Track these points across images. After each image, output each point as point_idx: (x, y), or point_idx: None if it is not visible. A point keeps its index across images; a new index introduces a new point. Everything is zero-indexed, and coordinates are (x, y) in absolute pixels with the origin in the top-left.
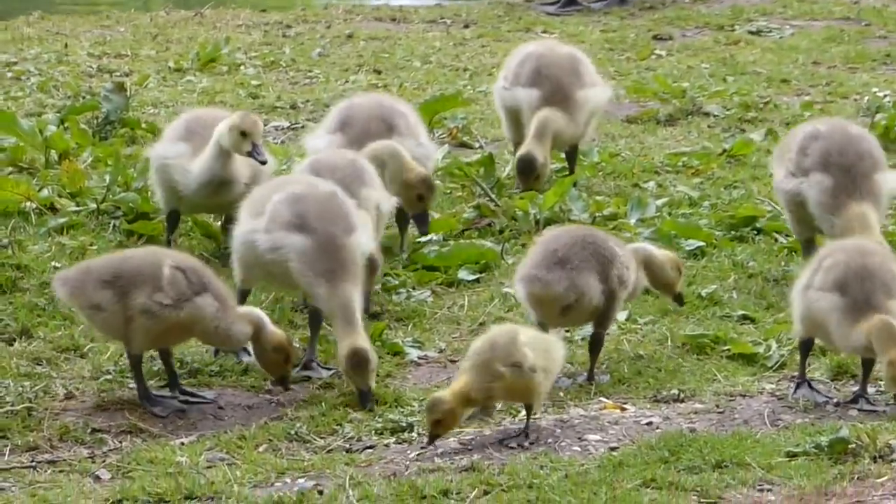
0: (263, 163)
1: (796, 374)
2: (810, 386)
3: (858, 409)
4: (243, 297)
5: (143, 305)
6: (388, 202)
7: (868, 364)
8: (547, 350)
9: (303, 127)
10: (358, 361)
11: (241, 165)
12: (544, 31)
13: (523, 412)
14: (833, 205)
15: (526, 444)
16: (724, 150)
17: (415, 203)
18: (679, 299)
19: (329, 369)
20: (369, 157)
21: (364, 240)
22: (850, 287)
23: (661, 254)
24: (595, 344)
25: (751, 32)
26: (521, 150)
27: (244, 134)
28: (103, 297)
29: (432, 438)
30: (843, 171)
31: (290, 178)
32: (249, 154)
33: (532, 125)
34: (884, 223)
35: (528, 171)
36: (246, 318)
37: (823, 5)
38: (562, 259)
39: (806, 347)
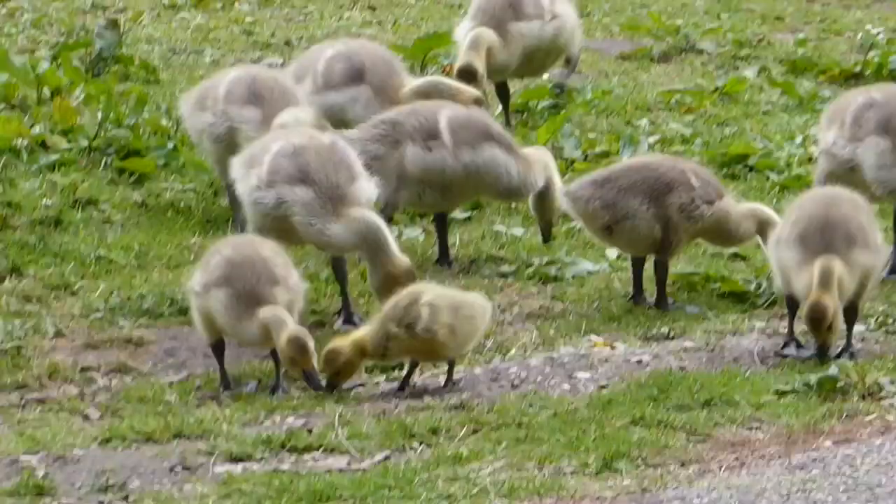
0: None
1: (787, 311)
2: (798, 344)
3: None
4: None
5: None
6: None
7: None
8: (457, 308)
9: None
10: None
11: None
12: None
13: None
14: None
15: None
16: (717, 88)
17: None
18: None
19: None
20: (415, 94)
21: (367, 186)
22: (810, 238)
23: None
24: (656, 270)
25: None
26: (459, 63)
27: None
28: None
29: (331, 387)
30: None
31: (289, 131)
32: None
33: (466, 41)
34: None
35: (469, 79)
36: None
37: None
38: (606, 179)
39: (791, 305)
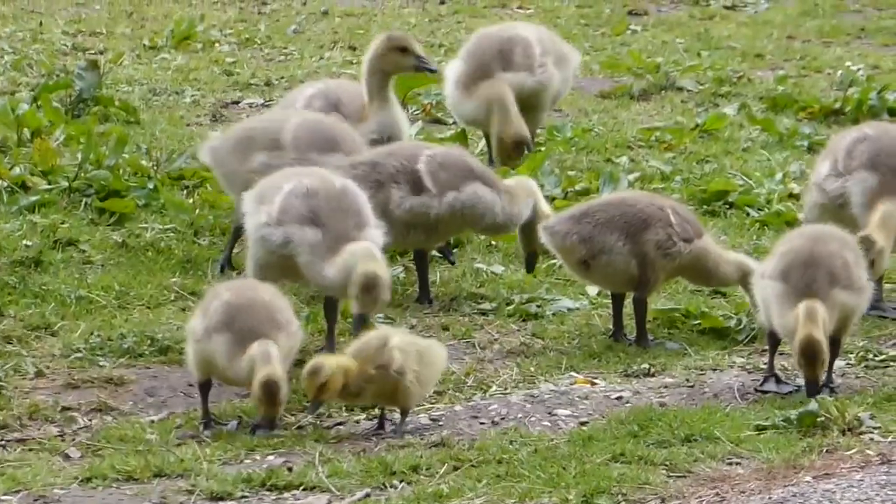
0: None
1: (766, 347)
2: (778, 380)
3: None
4: None
5: None
6: None
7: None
8: (422, 354)
9: (277, 104)
10: (369, 285)
11: None
12: (519, 7)
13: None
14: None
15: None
16: (697, 125)
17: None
18: None
19: None
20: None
21: (376, 234)
22: (793, 274)
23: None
24: (635, 307)
25: (726, 7)
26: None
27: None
28: None
29: (315, 405)
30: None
31: (301, 170)
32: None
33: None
34: None
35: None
36: None
37: None
38: (584, 213)
39: (772, 340)
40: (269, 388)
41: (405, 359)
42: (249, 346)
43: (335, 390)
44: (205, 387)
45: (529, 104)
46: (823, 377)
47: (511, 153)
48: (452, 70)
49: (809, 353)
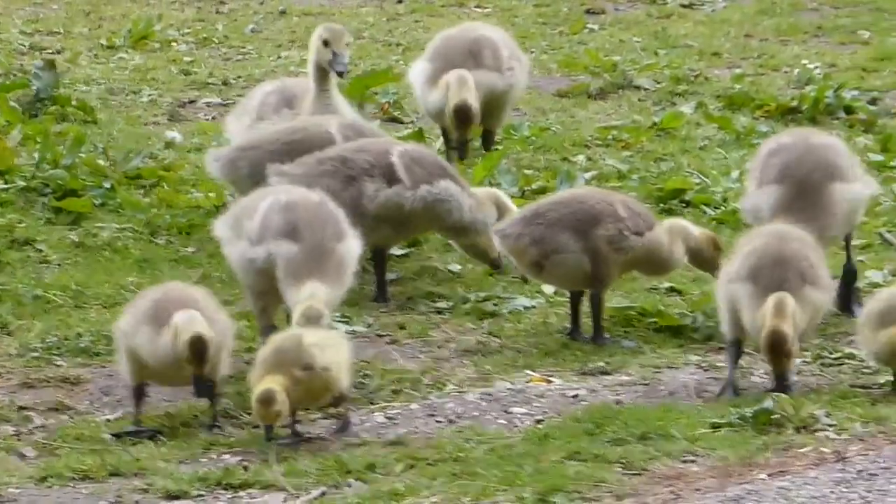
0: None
1: (724, 345)
2: (735, 391)
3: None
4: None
5: None
6: None
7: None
8: (336, 347)
9: (234, 103)
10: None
11: None
12: (477, 6)
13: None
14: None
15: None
16: (654, 124)
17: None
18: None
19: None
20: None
21: (354, 245)
22: (763, 274)
23: (698, 232)
24: (592, 305)
25: (683, 6)
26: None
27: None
28: None
29: (269, 435)
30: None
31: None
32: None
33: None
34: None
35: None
36: None
37: None
38: (535, 214)
39: (735, 349)
40: (196, 345)
41: (322, 352)
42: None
43: (286, 411)
44: (139, 392)
45: (497, 104)
46: (792, 369)
47: (454, 122)
48: (419, 70)
49: (776, 343)
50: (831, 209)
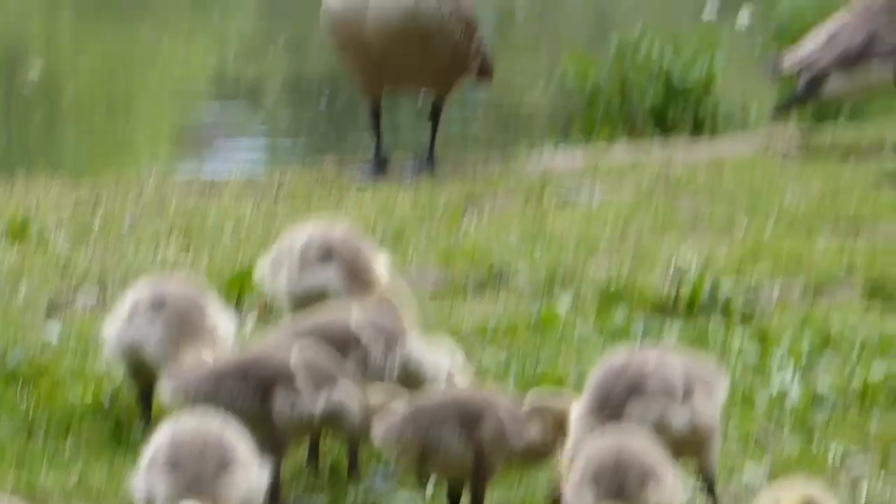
0: None
1: None
2: None
3: None
4: None
5: None
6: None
7: None
8: None
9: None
10: None
11: None
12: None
13: None
14: None
15: None
16: (531, 320)
17: None
18: None
19: None
20: None
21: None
22: (603, 479)
23: None
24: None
25: (560, 200)
26: None
27: None
28: None
29: None
30: None
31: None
32: None
33: None
34: None
35: None
36: None
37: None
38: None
39: None
40: None
41: None
42: None
43: None
44: None
45: None
46: None
47: None
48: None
49: None
50: None
